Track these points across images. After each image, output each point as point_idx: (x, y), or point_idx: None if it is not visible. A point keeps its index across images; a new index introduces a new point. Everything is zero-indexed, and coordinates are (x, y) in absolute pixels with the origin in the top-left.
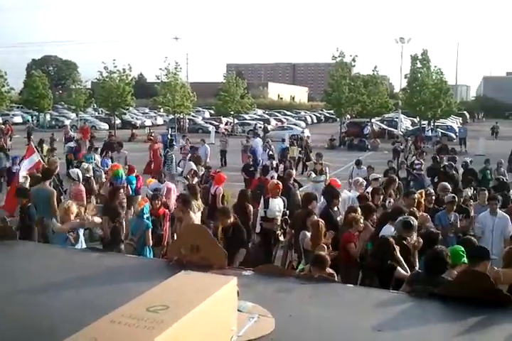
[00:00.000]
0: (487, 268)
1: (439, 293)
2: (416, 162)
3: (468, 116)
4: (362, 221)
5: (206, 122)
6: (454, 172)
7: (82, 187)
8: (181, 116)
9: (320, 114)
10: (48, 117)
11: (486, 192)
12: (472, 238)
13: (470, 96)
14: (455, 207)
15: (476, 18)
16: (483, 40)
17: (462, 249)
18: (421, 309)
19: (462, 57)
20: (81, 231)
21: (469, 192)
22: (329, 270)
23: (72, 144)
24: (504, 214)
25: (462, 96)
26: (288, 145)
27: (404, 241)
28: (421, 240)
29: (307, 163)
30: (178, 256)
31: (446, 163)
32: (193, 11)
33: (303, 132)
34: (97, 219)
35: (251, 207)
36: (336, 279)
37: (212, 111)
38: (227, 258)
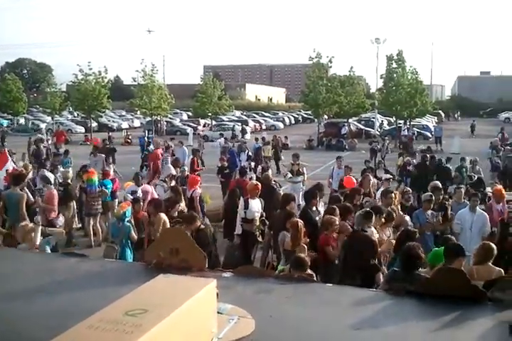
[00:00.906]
0: (462, 265)
1: (416, 290)
2: (409, 162)
3: (443, 115)
4: (337, 222)
5: (184, 124)
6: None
7: (55, 192)
8: (159, 119)
9: (298, 114)
10: (22, 121)
11: (463, 189)
12: (450, 236)
13: (445, 96)
14: (432, 206)
15: (450, 18)
16: (458, 40)
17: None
18: (399, 307)
19: (437, 57)
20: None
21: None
22: (308, 270)
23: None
24: (482, 211)
25: (437, 96)
26: (261, 145)
27: (366, 234)
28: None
29: (278, 161)
30: (157, 259)
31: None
32: (170, 12)
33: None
34: (58, 230)
35: None
36: (315, 279)
37: (190, 113)
38: (206, 261)
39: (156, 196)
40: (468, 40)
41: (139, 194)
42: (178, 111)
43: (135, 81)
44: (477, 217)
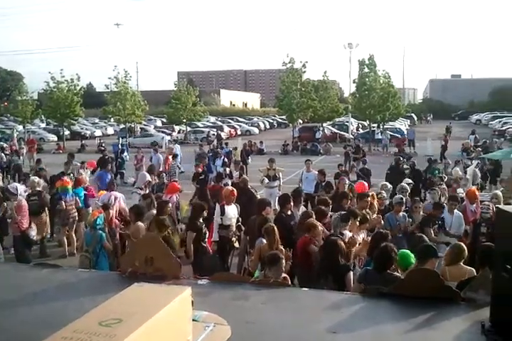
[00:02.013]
0: (435, 266)
1: (390, 292)
2: (405, 167)
3: (416, 118)
4: (320, 227)
5: (158, 131)
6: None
7: (24, 202)
8: (132, 125)
9: (273, 119)
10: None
11: (438, 191)
12: (423, 236)
13: (417, 99)
14: (403, 208)
15: (421, 23)
16: (429, 44)
17: (408, 252)
18: (374, 309)
19: (408, 60)
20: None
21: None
22: (283, 273)
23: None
24: (459, 213)
25: (410, 99)
26: (231, 149)
27: (340, 236)
28: (359, 238)
29: (245, 165)
30: (132, 268)
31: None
32: (144, 18)
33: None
34: None
35: None
36: (290, 283)
37: (164, 120)
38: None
39: (123, 204)
40: (439, 43)
41: (111, 200)
42: (152, 117)
43: (108, 88)
44: (455, 218)
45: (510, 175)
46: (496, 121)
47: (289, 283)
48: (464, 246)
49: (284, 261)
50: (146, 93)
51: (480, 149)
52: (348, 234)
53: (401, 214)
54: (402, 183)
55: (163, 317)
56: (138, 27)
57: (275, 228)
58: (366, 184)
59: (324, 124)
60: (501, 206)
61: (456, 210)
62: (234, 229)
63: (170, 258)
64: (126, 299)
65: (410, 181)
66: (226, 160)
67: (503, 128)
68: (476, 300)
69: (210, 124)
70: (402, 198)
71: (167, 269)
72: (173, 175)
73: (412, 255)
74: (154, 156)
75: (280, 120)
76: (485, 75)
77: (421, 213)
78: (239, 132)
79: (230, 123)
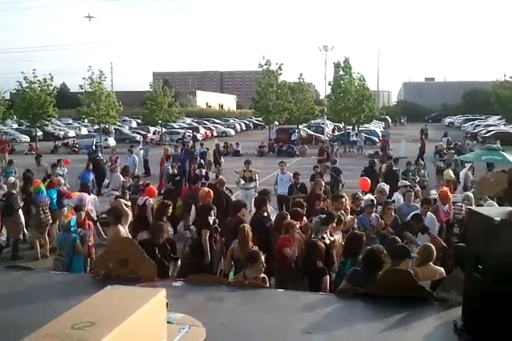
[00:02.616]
0: (409, 266)
1: (365, 292)
2: (394, 168)
3: (390, 120)
4: (298, 227)
5: (133, 132)
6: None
7: None
8: (107, 126)
9: (249, 121)
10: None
11: (413, 193)
12: (396, 238)
13: (391, 102)
14: (375, 209)
15: (395, 26)
16: (403, 47)
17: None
18: (348, 309)
19: (383, 63)
20: None
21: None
22: (262, 274)
23: None
24: (432, 214)
25: (384, 102)
26: (206, 150)
27: (322, 239)
28: (337, 238)
29: (218, 166)
30: (105, 270)
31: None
32: (118, 18)
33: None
34: None
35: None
36: (269, 283)
37: (139, 121)
38: (156, 270)
39: (91, 206)
40: (413, 47)
41: (84, 202)
42: (127, 118)
43: (82, 88)
44: (427, 220)
45: (482, 177)
46: (469, 123)
47: (267, 284)
48: (433, 247)
49: (261, 256)
50: (121, 94)
51: (453, 151)
52: (328, 237)
53: (373, 215)
54: (382, 184)
55: (137, 319)
56: (113, 27)
57: (247, 229)
58: (369, 180)
59: (300, 126)
60: (473, 207)
61: (428, 212)
62: (195, 235)
63: (144, 260)
64: (99, 302)
65: (408, 183)
66: (202, 161)
67: (475, 130)
68: (448, 300)
69: (186, 125)
70: (372, 200)
71: (142, 271)
72: (167, 176)
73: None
74: (129, 157)
75: (256, 122)
76: (458, 78)
77: (393, 214)
78: (215, 133)
79: (205, 124)
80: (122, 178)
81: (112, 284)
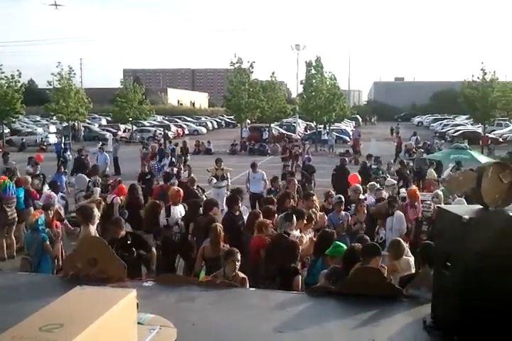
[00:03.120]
0: (379, 264)
1: (336, 290)
2: (369, 165)
3: (360, 119)
4: (270, 226)
5: (103, 129)
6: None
7: None
8: (76, 124)
9: (221, 119)
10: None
11: (384, 191)
12: (364, 236)
13: (362, 101)
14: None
15: (366, 26)
16: (373, 47)
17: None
18: (320, 307)
19: (354, 63)
20: None
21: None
22: (241, 274)
23: None
24: (400, 212)
25: (355, 101)
26: (174, 147)
27: (287, 236)
28: (307, 237)
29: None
30: (74, 270)
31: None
32: (87, 14)
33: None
34: None
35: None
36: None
37: (109, 118)
38: (126, 270)
39: (57, 205)
40: (384, 47)
41: (53, 201)
42: (96, 116)
43: (51, 85)
44: (395, 218)
45: (451, 176)
46: (437, 123)
47: (247, 285)
48: (401, 240)
49: (238, 253)
50: (91, 90)
51: (422, 150)
52: (295, 233)
53: (343, 213)
54: (357, 184)
55: (107, 320)
56: (82, 23)
57: (219, 228)
58: (359, 177)
59: (272, 125)
60: (442, 205)
61: (397, 211)
62: (183, 230)
63: (114, 259)
64: (68, 303)
65: (395, 182)
66: (174, 159)
67: (444, 130)
68: (418, 297)
69: (157, 123)
70: (340, 197)
71: (111, 271)
72: (155, 175)
73: (344, 245)
74: (100, 156)
75: (228, 120)
76: (427, 78)
77: (365, 212)
78: (186, 132)
79: (177, 122)
80: (87, 178)
81: (81, 285)
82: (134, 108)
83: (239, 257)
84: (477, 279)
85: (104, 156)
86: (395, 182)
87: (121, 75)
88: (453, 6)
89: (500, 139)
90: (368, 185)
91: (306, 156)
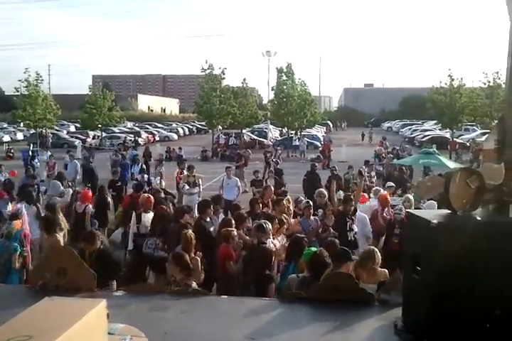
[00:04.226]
0: (350, 269)
1: (307, 296)
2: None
3: (331, 125)
4: (236, 234)
5: (72, 136)
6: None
7: None
8: (44, 131)
9: (192, 125)
10: None
11: (352, 196)
12: (335, 240)
13: (333, 107)
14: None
15: (336, 33)
16: (343, 54)
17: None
18: (292, 314)
19: (325, 69)
20: None
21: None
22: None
23: None
24: (362, 214)
25: (326, 107)
26: (137, 153)
27: (264, 245)
28: (278, 241)
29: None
30: (42, 280)
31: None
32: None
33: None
34: None
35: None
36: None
37: (78, 125)
38: (96, 280)
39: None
40: (354, 54)
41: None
42: (65, 122)
43: (18, 91)
44: (358, 220)
45: (419, 181)
46: (406, 128)
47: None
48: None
49: (187, 259)
50: (59, 97)
51: (391, 156)
52: (270, 240)
53: (312, 218)
54: (321, 189)
55: (77, 331)
56: (51, 28)
57: (190, 235)
58: (367, 196)
59: (244, 131)
60: (411, 210)
61: (359, 211)
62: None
63: (84, 269)
64: (36, 314)
65: (392, 184)
66: (144, 166)
67: (413, 135)
68: (389, 302)
69: (127, 130)
70: (308, 201)
71: (81, 281)
72: (126, 183)
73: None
74: (70, 163)
75: (200, 126)
76: (396, 85)
77: (333, 218)
78: (157, 138)
79: (147, 129)
80: (60, 185)
81: (50, 295)
82: (103, 114)
83: (189, 262)
84: (446, 283)
85: (74, 164)
86: (393, 184)
87: (90, 81)
88: (420, 13)
89: (467, 144)
90: (372, 190)
91: (274, 160)
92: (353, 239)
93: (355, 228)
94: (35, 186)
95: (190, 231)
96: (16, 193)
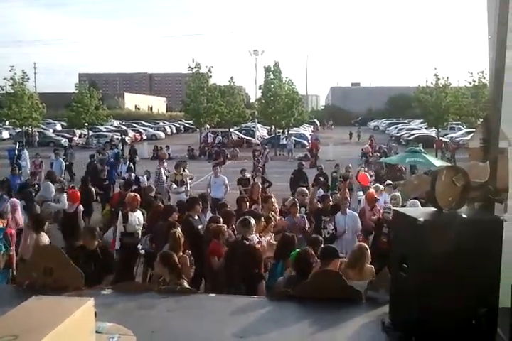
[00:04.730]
0: (337, 267)
1: (295, 294)
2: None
3: (318, 124)
4: (226, 230)
5: (58, 135)
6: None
7: None
8: (30, 129)
9: (179, 124)
10: None
11: (339, 194)
12: (319, 237)
13: (320, 106)
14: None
15: (323, 32)
16: (330, 52)
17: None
18: (280, 312)
19: (312, 68)
20: None
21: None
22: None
23: None
24: (353, 212)
25: (313, 106)
26: (120, 151)
27: (247, 242)
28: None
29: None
30: (29, 280)
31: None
32: (40, 17)
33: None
34: None
35: None
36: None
37: (64, 124)
38: (83, 279)
39: (20, 213)
40: (341, 53)
41: (6, 208)
42: (51, 121)
43: (3, 89)
44: (348, 217)
45: (406, 180)
46: (393, 127)
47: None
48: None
49: (174, 257)
50: (45, 95)
51: (378, 154)
52: (254, 237)
53: (298, 215)
54: (302, 188)
55: (64, 331)
56: (36, 27)
57: (178, 234)
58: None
59: (231, 129)
60: (398, 208)
61: (348, 209)
62: (140, 236)
63: (71, 268)
64: (23, 313)
65: (390, 182)
66: (132, 165)
67: (399, 134)
68: (376, 299)
69: (114, 128)
70: (294, 199)
71: (68, 280)
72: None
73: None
74: (56, 162)
75: (187, 125)
76: (383, 84)
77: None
78: (144, 136)
79: (134, 127)
80: (53, 187)
81: (37, 294)
82: (90, 113)
83: (177, 262)
84: (433, 280)
85: (59, 162)
86: (392, 182)
87: (76, 80)
88: (407, 12)
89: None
90: (384, 185)
91: (256, 159)
92: (327, 236)
93: (331, 226)
94: (36, 186)
95: (178, 230)
96: (15, 192)
